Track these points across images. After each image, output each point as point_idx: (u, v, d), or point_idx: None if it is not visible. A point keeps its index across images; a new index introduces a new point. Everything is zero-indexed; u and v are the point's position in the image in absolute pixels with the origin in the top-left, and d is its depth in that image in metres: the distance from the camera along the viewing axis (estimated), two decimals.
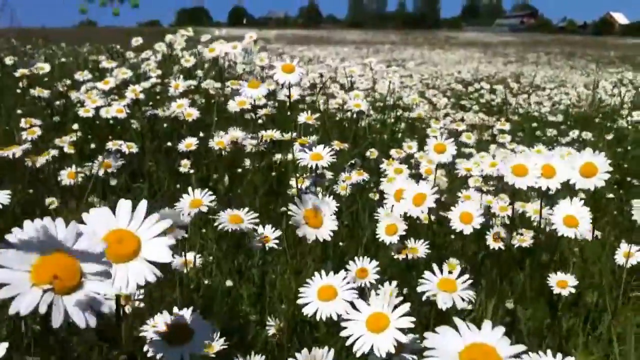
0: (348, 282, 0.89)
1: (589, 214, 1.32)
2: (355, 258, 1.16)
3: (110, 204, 0.61)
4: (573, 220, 1.30)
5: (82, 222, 0.61)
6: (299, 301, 0.90)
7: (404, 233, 1.37)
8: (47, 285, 0.50)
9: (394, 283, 1.06)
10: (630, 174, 3.28)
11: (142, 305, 1.07)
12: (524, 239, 1.72)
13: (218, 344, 1.00)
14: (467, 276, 0.95)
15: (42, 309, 0.48)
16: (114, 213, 0.62)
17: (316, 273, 0.92)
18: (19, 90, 3.13)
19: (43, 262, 0.51)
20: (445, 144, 1.51)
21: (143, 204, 0.62)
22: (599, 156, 1.24)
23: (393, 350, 0.71)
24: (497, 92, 7.33)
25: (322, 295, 0.88)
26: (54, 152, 1.94)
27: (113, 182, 2.08)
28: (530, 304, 1.54)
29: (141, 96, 2.71)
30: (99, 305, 0.52)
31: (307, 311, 0.87)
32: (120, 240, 0.60)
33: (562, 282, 1.44)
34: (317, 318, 0.86)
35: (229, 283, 1.43)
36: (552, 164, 1.27)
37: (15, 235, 0.52)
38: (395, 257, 1.41)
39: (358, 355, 0.72)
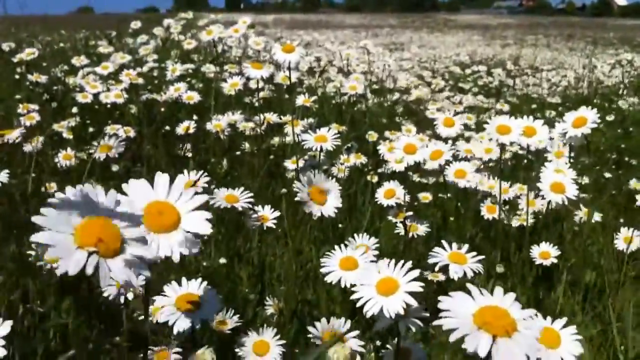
0: (366, 254, 0.92)
1: (573, 173, 1.37)
2: (355, 235, 1.17)
3: (108, 188, 0.61)
4: (560, 186, 1.33)
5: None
6: (322, 270, 0.93)
7: (401, 197, 1.40)
8: (91, 247, 0.51)
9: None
10: (629, 154, 3.28)
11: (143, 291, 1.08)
12: (523, 218, 1.73)
13: (232, 321, 1.01)
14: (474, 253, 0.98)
15: (89, 270, 0.49)
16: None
17: (336, 247, 0.95)
18: (17, 76, 3.13)
19: (85, 226, 0.52)
20: (454, 119, 1.57)
21: (180, 179, 0.64)
22: (590, 112, 1.35)
23: (402, 312, 0.72)
24: (495, 75, 7.31)
25: (344, 265, 0.92)
26: (42, 138, 1.93)
27: (114, 168, 2.08)
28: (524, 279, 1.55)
29: (139, 80, 2.71)
30: (140, 268, 0.53)
31: (331, 279, 0.91)
32: (161, 211, 0.61)
33: (545, 253, 1.47)
34: (342, 285, 0.89)
35: (222, 260, 1.44)
36: (533, 125, 1.34)
37: (56, 199, 0.53)
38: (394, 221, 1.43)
39: (368, 316, 0.74)
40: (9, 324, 0.71)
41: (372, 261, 0.91)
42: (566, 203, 1.38)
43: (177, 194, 0.63)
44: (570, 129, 1.34)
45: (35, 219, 0.50)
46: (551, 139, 1.47)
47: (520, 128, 1.35)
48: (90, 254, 0.50)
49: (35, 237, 0.50)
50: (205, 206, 0.64)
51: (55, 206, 0.52)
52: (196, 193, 0.64)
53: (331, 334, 0.90)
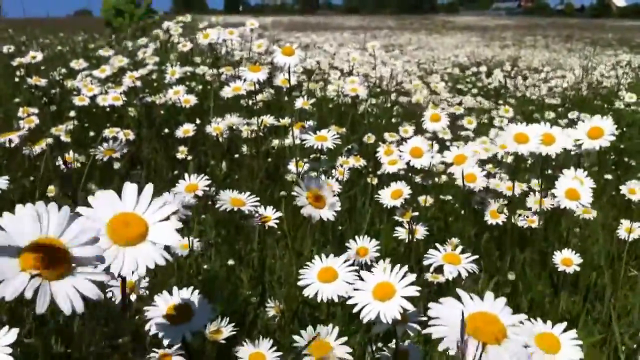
0: (348, 263, 0.90)
1: (591, 182, 1.35)
2: (356, 237, 1.17)
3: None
4: (575, 193, 1.32)
5: (88, 206, 0.60)
6: (300, 283, 0.90)
7: (408, 197, 1.41)
8: (34, 270, 0.48)
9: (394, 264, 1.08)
10: (627, 155, 3.28)
11: (146, 292, 1.08)
12: (533, 219, 1.74)
13: (227, 330, 1.00)
14: (469, 254, 0.98)
15: (28, 294, 0.47)
16: (119, 197, 0.61)
17: (316, 256, 0.93)
18: (16, 79, 3.13)
19: (32, 247, 0.50)
20: (440, 114, 1.58)
21: (149, 188, 0.62)
22: (606, 121, 1.29)
23: (399, 317, 0.71)
24: (494, 76, 7.31)
25: (322, 277, 0.89)
26: (49, 140, 1.94)
27: (116, 166, 2.09)
28: (531, 282, 1.55)
29: (138, 83, 2.71)
30: (89, 291, 0.50)
31: (308, 293, 0.88)
32: (127, 223, 0.59)
33: (567, 260, 1.46)
34: (319, 299, 0.87)
35: (230, 262, 1.44)
36: (552, 132, 1.31)
37: (5, 219, 0.51)
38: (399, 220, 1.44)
39: (364, 322, 0.73)
40: (15, 331, 0.69)
41: (352, 271, 0.89)
42: (580, 210, 1.37)
43: (146, 204, 0.61)
44: (586, 140, 1.31)
45: None
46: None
47: (538, 136, 1.31)
48: (32, 277, 0.48)
49: None
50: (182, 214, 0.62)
51: (2, 227, 0.50)
52: (165, 203, 0.62)
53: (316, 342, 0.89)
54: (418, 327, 0.78)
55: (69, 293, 0.49)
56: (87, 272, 0.51)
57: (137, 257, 0.57)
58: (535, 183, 1.92)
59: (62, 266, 0.50)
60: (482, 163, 2.12)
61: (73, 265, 0.51)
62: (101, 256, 0.53)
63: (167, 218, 0.61)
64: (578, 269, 1.45)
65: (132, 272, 0.57)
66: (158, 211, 0.61)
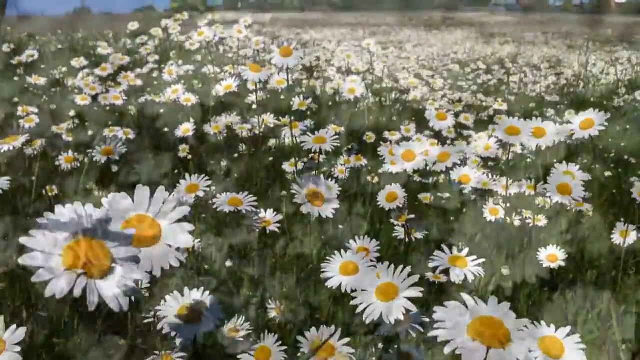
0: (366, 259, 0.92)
1: (583, 175, 1.38)
2: (355, 237, 1.17)
3: (108, 190, 0.61)
4: (566, 187, 1.34)
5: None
6: (322, 275, 0.93)
7: (403, 200, 1.41)
8: (79, 269, 0.50)
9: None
10: (627, 152, 3.27)
11: (147, 293, 1.08)
12: (538, 218, 1.74)
13: (243, 329, 1.01)
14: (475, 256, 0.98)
15: (77, 292, 0.48)
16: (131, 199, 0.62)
17: (335, 252, 0.95)
18: (16, 78, 3.13)
19: (74, 246, 0.51)
20: (446, 114, 1.61)
21: (161, 190, 0.62)
22: (598, 114, 1.34)
23: (402, 317, 0.72)
24: (494, 73, 7.30)
25: (344, 270, 0.92)
26: (40, 141, 1.93)
27: (114, 169, 2.09)
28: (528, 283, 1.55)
29: (138, 82, 2.71)
30: (130, 290, 0.52)
31: (331, 284, 0.91)
32: (141, 225, 0.60)
33: (552, 256, 1.47)
34: (342, 290, 0.89)
35: (228, 263, 1.44)
36: (543, 126, 1.35)
37: (46, 218, 0.52)
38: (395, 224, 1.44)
39: (367, 322, 0.73)
40: (22, 330, 0.70)
41: (372, 265, 0.90)
42: (573, 204, 1.38)
43: (158, 206, 0.62)
44: (578, 130, 1.34)
45: (23, 240, 0.49)
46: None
47: (529, 129, 1.35)
48: (78, 275, 0.49)
49: (23, 259, 0.49)
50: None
51: (44, 227, 0.51)
52: (178, 204, 0.62)
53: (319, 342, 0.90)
54: (420, 329, 0.79)
55: (113, 291, 0.51)
56: (126, 271, 0.52)
57: (151, 258, 0.58)
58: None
59: (104, 265, 0.51)
60: (483, 161, 2.12)
61: (113, 264, 0.52)
62: (137, 256, 0.54)
63: (180, 220, 0.61)
64: (563, 264, 1.47)
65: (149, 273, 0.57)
66: (171, 213, 0.61)
